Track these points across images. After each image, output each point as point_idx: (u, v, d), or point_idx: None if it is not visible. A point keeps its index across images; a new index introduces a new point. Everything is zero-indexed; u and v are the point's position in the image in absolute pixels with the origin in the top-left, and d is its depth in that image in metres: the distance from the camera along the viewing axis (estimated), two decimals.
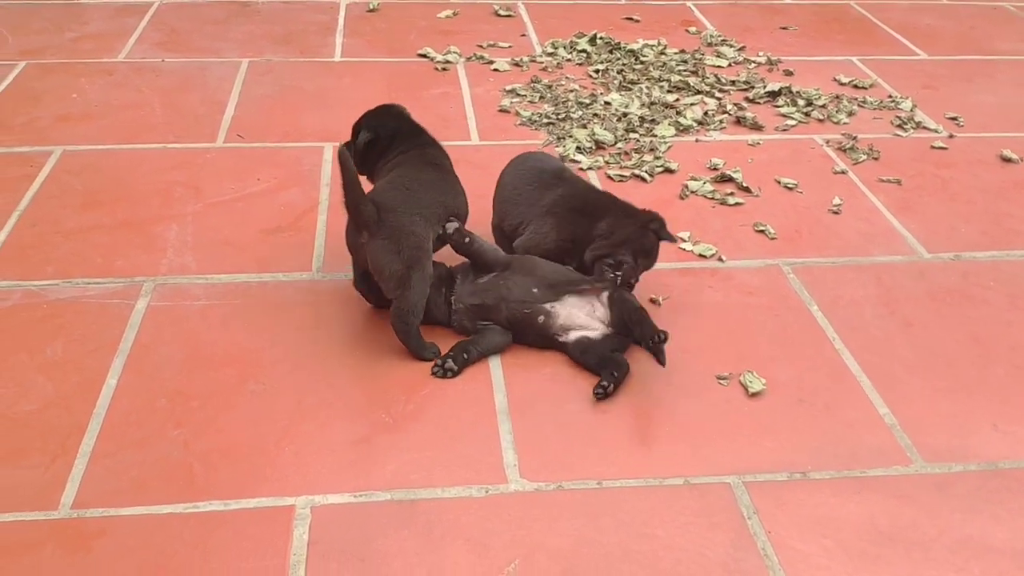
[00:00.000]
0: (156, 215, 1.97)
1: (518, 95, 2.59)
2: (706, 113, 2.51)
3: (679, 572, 1.26)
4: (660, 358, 1.54)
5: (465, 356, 1.58)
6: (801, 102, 2.61)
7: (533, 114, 2.47)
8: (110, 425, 1.44)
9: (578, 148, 2.28)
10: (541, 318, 1.62)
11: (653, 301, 1.78)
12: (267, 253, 1.88)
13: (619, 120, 2.44)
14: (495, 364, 1.62)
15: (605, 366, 1.56)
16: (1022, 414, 1.56)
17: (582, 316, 1.63)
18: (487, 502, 1.35)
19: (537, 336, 1.64)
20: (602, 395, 1.53)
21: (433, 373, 1.57)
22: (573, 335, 1.62)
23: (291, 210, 2.03)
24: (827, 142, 2.42)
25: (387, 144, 1.75)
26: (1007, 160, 2.38)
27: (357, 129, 1.79)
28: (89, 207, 2.00)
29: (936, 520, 1.36)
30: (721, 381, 1.60)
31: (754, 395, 1.57)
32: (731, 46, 2.96)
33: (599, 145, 2.32)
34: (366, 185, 1.67)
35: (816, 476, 1.42)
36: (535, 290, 1.64)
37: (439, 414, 1.51)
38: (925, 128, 2.52)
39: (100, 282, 1.77)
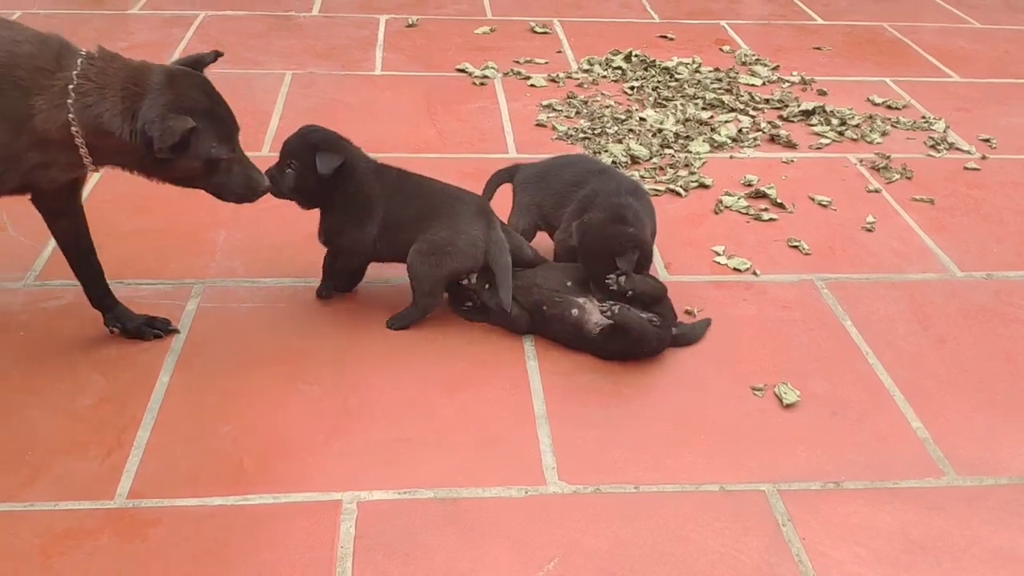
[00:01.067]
0: (205, 221, 2.03)
1: (554, 110, 2.64)
2: (740, 130, 2.55)
3: (714, 575, 1.29)
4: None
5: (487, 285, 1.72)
6: (835, 121, 2.64)
7: (569, 128, 2.52)
8: (163, 420, 1.50)
9: (614, 162, 2.33)
10: (575, 311, 1.67)
11: (688, 312, 1.81)
12: (312, 258, 1.93)
13: (654, 136, 2.48)
14: (533, 371, 1.66)
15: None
16: None
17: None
18: (526, 502, 1.39)
19: (565, 328, 1.68)
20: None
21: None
22: (601, 327, 1.66)
23: None
24: (860, 161, 2.45)
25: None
26: None
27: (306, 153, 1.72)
28: (141, 212, 2.06)
29: (967, 531, 1.38)
30: (756, 392, 1.63)
31: (788, 406, 1.60)
32: (765, 65, 3.00)
33: (634, 160, 2.36)
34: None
35: (849, 486, 1.45)
36: (568, 283, 1.69)
37: (479, 417, 1.55)
38: (958, 149, 2.55)
39: (152, 283, 1.83)
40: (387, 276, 1.87)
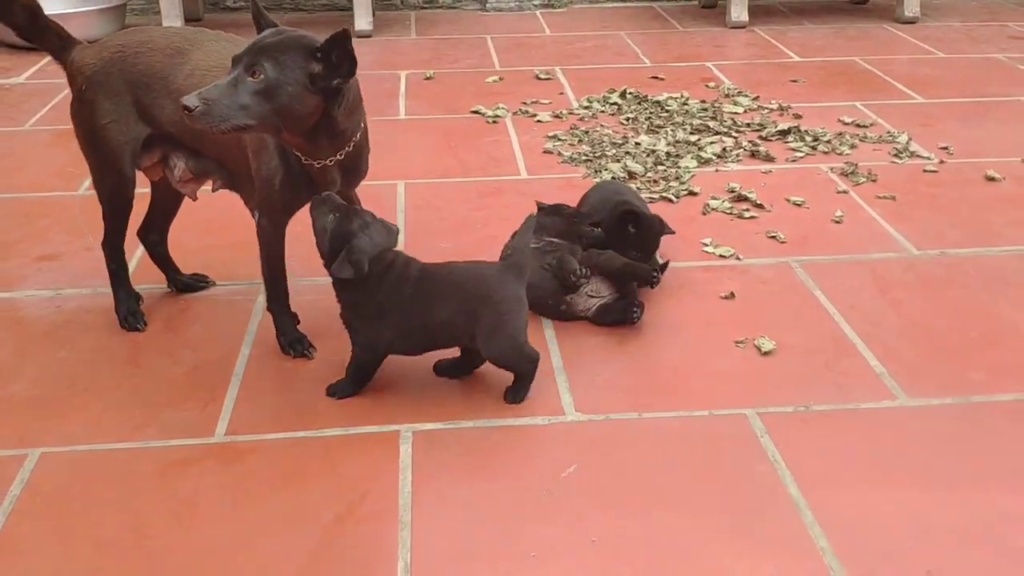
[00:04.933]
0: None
1: (559, 140, 3.00)
2: (724, 149, 2.89)
3: (706, 474, 1.58)
4: (656, 280, 1.97)
5: None
6: (808, 138, 2.98)
7: (573, 153, 2.87)
8: (248, 381, 1.82)
9: (613, 177, 2.66)
10: (563, 307, 2.01)
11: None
12: None
13: (648, 156, 2.82)
14: (551, 337, 1.97)
15: (626, 309, 1.96)
16: (992, 365, 1.87)
17: (593, 292, 2.00)
18: (549, 427, 1.70)
19: (562, 314, 2.01)
20: (638, 315, 1.94)
21: None
22: (593, 306, 1.98)
23: None
24: (831, 169, 2.78)
25: None
26: (991, 179, 2.71)
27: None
28: (208, 232, 2.40)
29: (913, 438, 1.67)
30: (739, 344, 1.94)
31: (766, 353, 1.91)
32: (746, 96, 3.36)
33: (631, 175, 2.70)
34: None
35: (817, 408, 1.75)
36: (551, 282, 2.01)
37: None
38: (919, 156, 2.88)
39: (224, 284, 2.17)
40: None
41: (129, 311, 2.01)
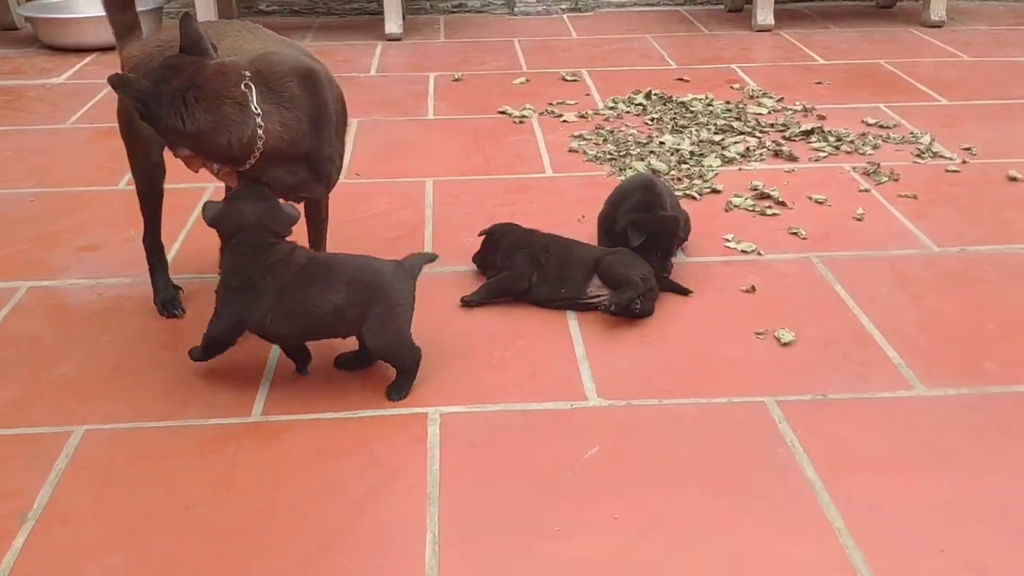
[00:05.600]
0: (301, 230, 2.42)
1: (584, 139, 3.05)
2: (748, 148, 2.93)
3: (724, 457, 1.63)
4: (637, 309, 2.01)
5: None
6: (832, 138, 3.01)
7: (598, 152, 2.93)
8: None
9: None
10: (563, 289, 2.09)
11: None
12: (390, 254, 2.29)
13: (672, 155, 2.87)
14: (574, 327, 2.02)
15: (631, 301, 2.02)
16: (1008, 357, 1.90)
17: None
18: (572, 412, 1.75)
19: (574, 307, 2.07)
20: (639, 310, 2.00)
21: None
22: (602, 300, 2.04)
23: (405, 225, 2.50)
24: (853, 168, 2.82)
25: None
26: (1013, 179, 2.74)
27: None
28: None
29: (931, 427, 1.71)
30: (759, 336, 1.98)
31: (786, 344, 1.95)
32: (771, 97, 3.40)
33: (655, 173, 2.75)
34: None
35: (835, 397, 1.79)
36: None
37: (532, 359, 1.91)
38: (941, 156, 2.91)
39: None
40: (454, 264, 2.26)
41: (167, 298, 2.08)
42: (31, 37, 4.41)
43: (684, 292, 2.12)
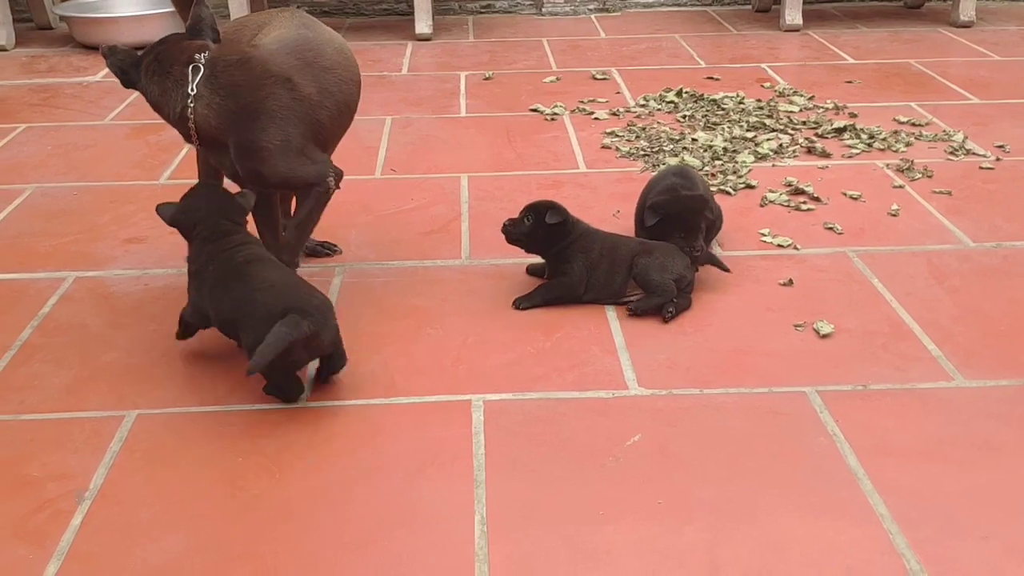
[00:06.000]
0: (338, 223, 2.47)
1: (617, 136, 3.07)
2: (781, 145, 2.95)
3: (766, 444, 1.65)
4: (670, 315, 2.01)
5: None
6: (864, 136, 3.02)
7: (631, 148, 2.95)
8: None
9: None
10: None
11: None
12: (426, 247, 2.36)
13: (705, 151, 2.89)
14: (612, 317, 2.05)
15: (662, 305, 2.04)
16: None
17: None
18: (613, 401, 1.77)
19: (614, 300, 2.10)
20: (671, 316, 2.01)
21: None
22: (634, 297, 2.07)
23: (440, 220, 2.53)
24: (887, 165, 2.83)
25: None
26: None
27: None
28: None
29: (972, 417, 1.71)
30: (798, 328, 2.00)
31: (825, 336, 1.96)
32: (802, 96, 3.41)
33: None
34: None
35: (875, 387, 1.80)
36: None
37: (572, 349, 1.94)
38: (975, 154, 2.91)
39: (302, 267, 2.26)
40: (500, 257, 2.29)
41: None
42: (66, 36, 4.47)
43: (724, 268, 2.14)
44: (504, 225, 2.12)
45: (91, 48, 4.26)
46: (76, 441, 1.69)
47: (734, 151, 2.90)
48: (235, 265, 1.77)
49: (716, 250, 2.29)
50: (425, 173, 2.84)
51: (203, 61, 1.80)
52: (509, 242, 2.13)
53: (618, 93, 3.54)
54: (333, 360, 1.79)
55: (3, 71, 4.00)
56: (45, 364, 1.92)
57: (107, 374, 1.88)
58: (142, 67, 1.85)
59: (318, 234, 2.36)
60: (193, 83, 1.79)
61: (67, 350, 1.97)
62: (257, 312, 1.68)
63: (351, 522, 1.49)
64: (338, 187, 2.03)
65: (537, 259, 2.18)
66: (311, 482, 1.57)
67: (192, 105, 1.80)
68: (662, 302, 2.02)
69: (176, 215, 1.85)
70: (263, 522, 1.49)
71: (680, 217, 2.12)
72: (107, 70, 3.93)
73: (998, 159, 2.86)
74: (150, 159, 2.96)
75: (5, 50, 4.30)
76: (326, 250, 2.32)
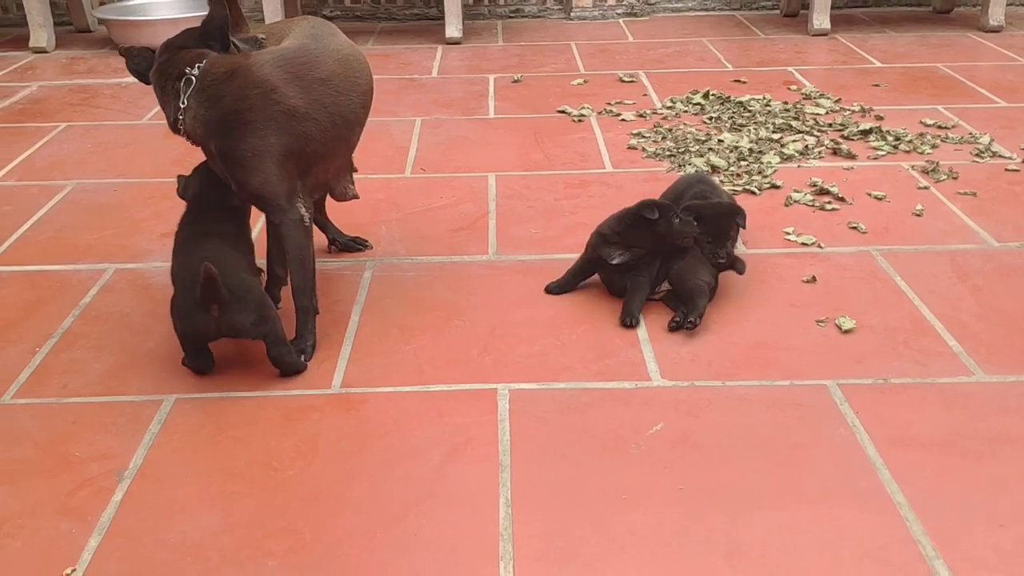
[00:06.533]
0: (369, 220, 2.54)
1: (643, 137, 3.11)
2: (806, 147, 2.97)
3: (786, 434, 1.68)
4: (691, 324, 1.99)
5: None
6: (890, 138, 3.04)
7: (657, 149, 2.99)
8: (359, 343, 1.97)
9: (696, 170, 2.77)
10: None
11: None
12: (455, 243, 2.42)
13: (731, 152, 2.92)
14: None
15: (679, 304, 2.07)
16: None
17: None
18: (636, 391, 1.81)
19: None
20: (675, 327, 2.00)
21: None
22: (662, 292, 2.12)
23: (468, 217, 2.58)
24: (912, 167, 2.84)
25: None
26: None
27: None
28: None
29: (991, 411, 1.74)
30: (820, 324, 2.03)
31: (847, 332, 1.99)
32: (828, 98, 3.43)
33: (714, 169, 2.80)
34: None
35: (895, 381, 1.83)
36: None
37: (597, 341, 1.98)
38: (1000, 156, 2.92)
39: (335, 262, 2.34)
40: (529, 253, 2.33)
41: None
42: (105, 39, 4.59)
43: (740, 271, 2.13)
44: (685, 226, 2.08)
45: None
46: (117, 423, 1.76)
47: (760, 152, 2.93)
48: (184, 237, 1.96)
49: (741, 248, 2.32)
50: (454, 172, 2.89)
51: (195, 74, 1.83)
52: (682, 244, 2.08)
53: (645, 95, 3.58)
54: (270, 351, 1.84)
55: (44, 72, 4.12)
56: (87, 350, 1.99)
57: (146, 360, 1.95)
58: (150, 73, 1.91)
59: (350, 229, 2.43)
60: (184, 96, 1.83)
61: (108, 337, 2.04)
62: (176, 281, 1.88)
63: (382, 501, 1.54)
64: (311, 223, 1.98)
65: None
66: (344, 464, 1.62)
67: (182, 118, 1.86)
68: (706, 304, 2.04)
69: (180, 192, 2.04)
70: (298, 501, 1.55)
71: (714, 222, 2.16)
72: None
73: None
74: (187, 157, 3.01)
75: (46, 52, 4.42)
76: (358, 245, 2.38)
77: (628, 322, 2.02)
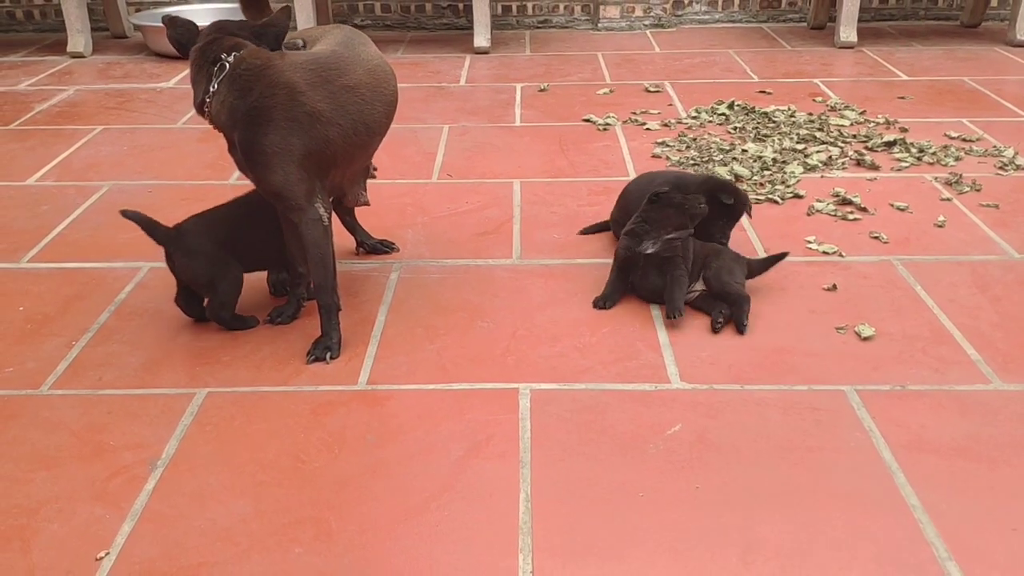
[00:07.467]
0: (396, 223, 2.59)
1: (667, 146, 3.15)
2: (830, 157, 3.00)
3: (803, 437, 1.71)
4: (718, 326, 2.05)
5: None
6: (914, 150, 3.06)
7: (681, 158, 3.02)
8: (384, 342, 2.02)
9: None
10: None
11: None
12: (479, 247, 2.46)
13: (755, 161, 2.95)
14: (657, 316, 2.12)
15: (714, 306, 2.10)
16: None
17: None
18: (656, 393, 1.84)
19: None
20: (720, 327, 2.05)
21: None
22: (696, 293, 2.15)
23: (493, 222, 2.62)
24: (935, 179, 2.86)
25: None
26: None
27: None
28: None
29: (1007, 418, 1.75)
30: (839, 331, 2.05)
31: (866, 339, 2.01)
32: (853, 110, 3.45)
33: (737, 178, 2.83)
34: None
35: (912, 388, 1.85)
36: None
37: (617, 344, 2.01)
38: None
39: (361, 263, 2.39)
40: (556, 257, 2.37)
41: (277, 280, 2.24)
42: (140, 44, 4.69)
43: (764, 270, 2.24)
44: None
45: (164, 56, 4.46)
46: (150, 414, 1.82)
47: (783, 162, 2.95)
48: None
49: (761, 255, 2.35)
50: (480, 178, 2.94)
51: (230, 60, 1.87)
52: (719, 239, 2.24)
53: (670, 105, 3.61)
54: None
55: (81, 76, 4.22)
56: (121, 345, 2.06)
57: (179, 355, 2.01)
58: (192, 49, 1.93)
59: (378, 232, 2.49)
60: (216, 80, 1.87)
61: (142, 332, 2.10)
62: None
63: (405, 493, 1.58)
64: (329, 222, 2.01)
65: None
66: (369, 457, 1.67)
67: (209, 100, 1.89)
68: (748, 308, 2.08)
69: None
70: (324, 491, 1.59)
71: (733, 207, 2.24)
72: (179, 77, 4.13)
73: None
74: (221, 160, 3.10)
75: (83, 57, 4.52)
76: (385, 248, 2.43)
77: (674, 315, 2.06)
